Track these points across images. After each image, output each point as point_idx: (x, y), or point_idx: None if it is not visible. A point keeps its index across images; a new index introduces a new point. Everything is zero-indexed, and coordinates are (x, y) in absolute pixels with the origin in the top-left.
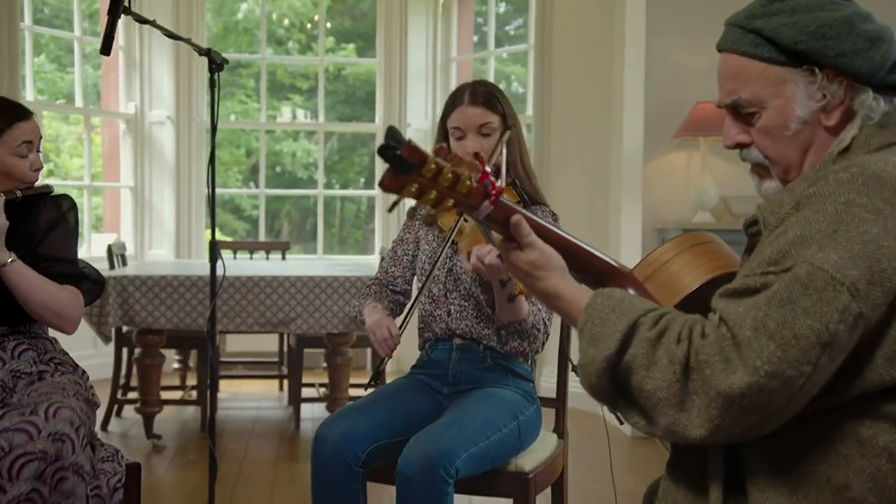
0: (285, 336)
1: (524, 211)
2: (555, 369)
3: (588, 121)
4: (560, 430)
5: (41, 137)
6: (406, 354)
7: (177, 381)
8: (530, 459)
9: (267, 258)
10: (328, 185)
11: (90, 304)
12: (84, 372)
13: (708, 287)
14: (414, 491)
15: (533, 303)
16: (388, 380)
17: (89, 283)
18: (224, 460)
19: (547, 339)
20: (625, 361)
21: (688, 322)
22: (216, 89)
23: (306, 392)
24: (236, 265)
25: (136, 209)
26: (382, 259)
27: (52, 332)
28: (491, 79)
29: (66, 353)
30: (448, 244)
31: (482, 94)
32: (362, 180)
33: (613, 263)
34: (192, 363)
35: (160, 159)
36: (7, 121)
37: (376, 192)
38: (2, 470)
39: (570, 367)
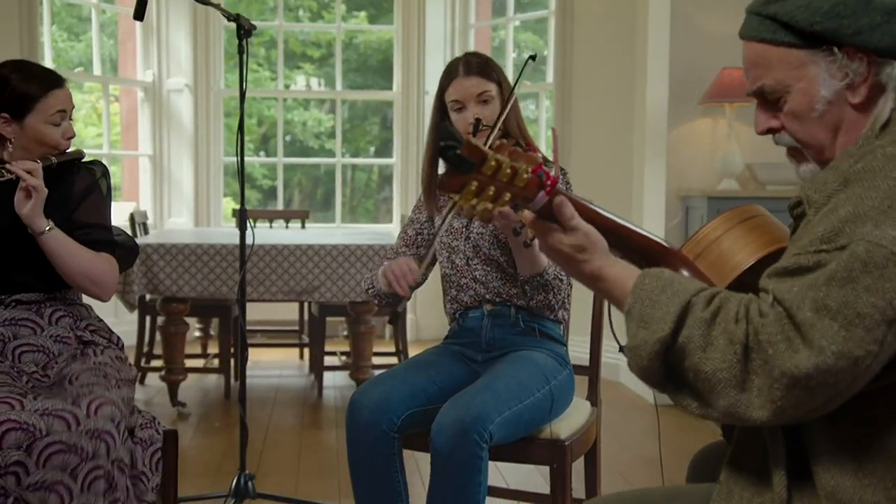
0: (305, 304)
1: (570, 193)
2: (585, 338)
3: (610, 87)
4: (593, 398)
5: (73, 106)
6: (428, 325)
7: (198, 350)
8: (565, 426)
9: (287, 227)
10: (332, 154)
11: (124, 270)
12: (119, 339)
13: (760, 264)
14: (448, 456)
15: None
16: (414, 347)
17: (123, 249)
18: (250, 428)
19: (570, 289)
20: (679, 343)
21: (743, 301)
22: (245, 55)
23: (328, 360)
24: (259, 234)
25: (154, 178)
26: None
27: (86, 299)
28: (510, 47)
29: (101, 320)
30: (452, 209)
31: (476, 64)
32: (372, 149)
33: (662, 242)
34: (212, 331)
35: (178, 127)
36: (43, 88)
37: (395, 159)
38: (32, 451)
39: (617, 347)
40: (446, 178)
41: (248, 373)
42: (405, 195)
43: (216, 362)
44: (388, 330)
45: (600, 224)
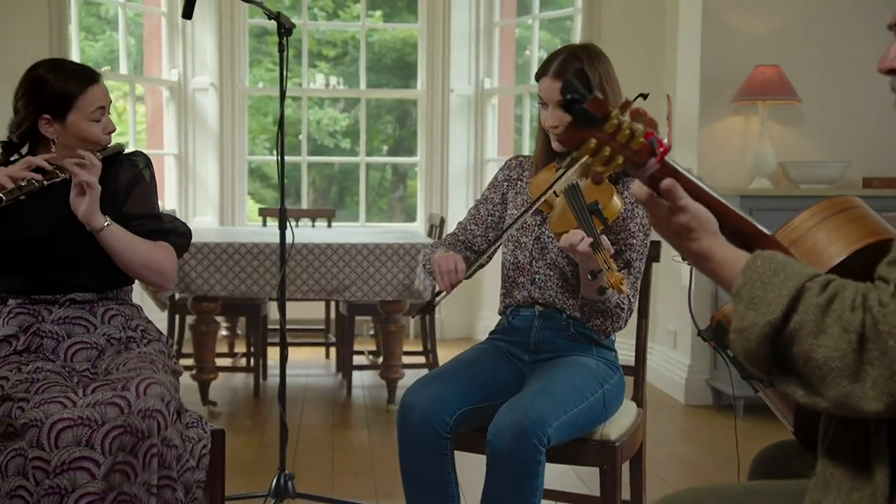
0: (332, 303)
1: (682, 169)
2: (630, 340)
3: (639, 85)
4: (639, 398)
5: (110, 100)
6: (453, 325)
7: (225, 349)
8: (615, 428)
9: (313, 226)
10: (352, 153)
11: (180, 256)
12: (168, 338)
13: (857, 256)
14: (506, 460)
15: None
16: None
17: (177, 235)
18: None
19: (630, 316)
20: (790, 328)
21: (860, 289)
22: (285, 53)
23: (356, 359)
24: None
25: (179, 177)
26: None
27: (134, 299)
28: (535, 46)
29: (149, 321)
30: (531, 210)
31: (567, 68)
32: (385, 148)
33: (760, 227)
34: (239, 330)
35: (203, 127)
36: (81, 85)
37: (419, 157)
38: (94, 442)
39: (697, 331)
40: (568, 133)
41: (275, 371)
42: (430, 193)
43: (243, 361)
44: (413, 329)
45: (706, 203)
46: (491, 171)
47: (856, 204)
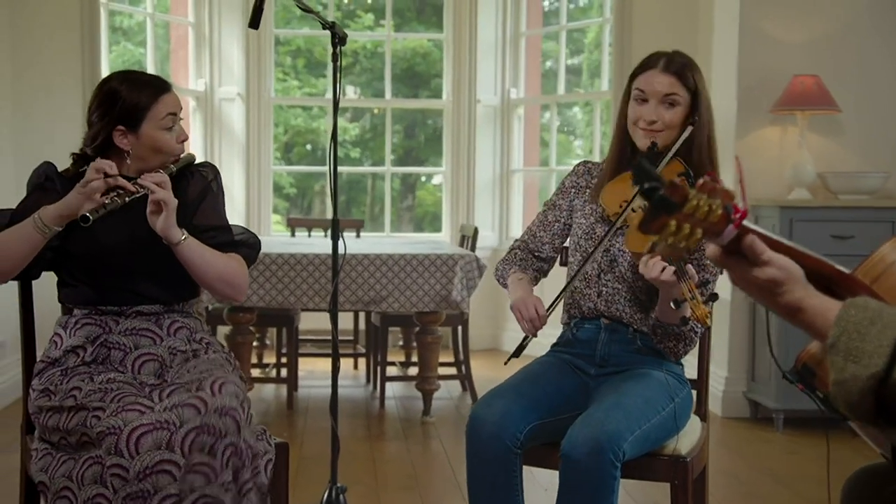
0: (360, 313)
1: (756, 227)
2: (692, 355)
3: None
4: (703, 412)
5: (181, 108)
6: (479, 336)
7: (254, 360)
8: (685, 442)
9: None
10: (359, 163)
11: (250, 267)
12: (231, 351)
13: None
14: (582, 475)
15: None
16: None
17: (246, 248)
18: (318, 438)
19: (699, 339)
20: (893, 378)
21: None
22: (339, 63)
23: (388, 370)
24: (318, 243)
25: None
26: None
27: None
28: (563, 56)
29: (212, 334)
30: (613, 232)
31: (678, 63)
32: (392, 158)
33: (839, 268)
34: (268, 341)
35: (230, 136)
36: (153, 95)
37: (444, 168)
38: (174, 445)
39: (782, 373)
40: (648, 221)
41: (305, 382)
42: (455, 202)
43: (273, 372)
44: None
45: (784, 252)
46: (517, 182)
47: None
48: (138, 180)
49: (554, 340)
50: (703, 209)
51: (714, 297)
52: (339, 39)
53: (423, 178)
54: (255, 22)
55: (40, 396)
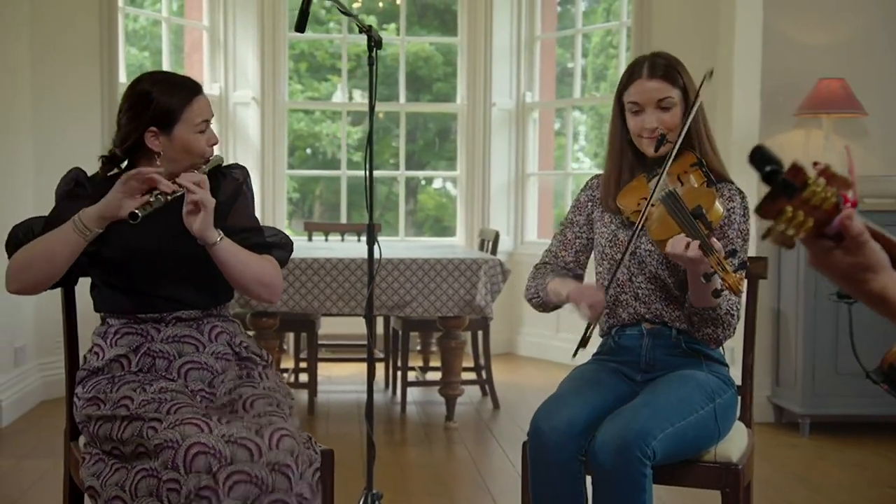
0: (380, 318)
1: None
2: (735, 357)
3: None
4: (747, 418)
5: (213, 112)
6: (494, 341)
7: None
8: (734, 448)
9: (358, 240)
10: (359, 167)
11: (283, 268)
12: (269, 355)
13: None
14: (610, 474)
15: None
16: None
17: (279, 249)
18: (343, 444)
19: (738, 323)
20: None
21: None
22: (374, 67)
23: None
24: (340, 247)
25: None
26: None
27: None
28: (579, 59)
29: (250, 336)
30: (638, 232)
31: (661, 66)
32: (392, 161)
33: None
34: (285, 346)
35: (244, 140)
36: (187, 97)
37: (458, 172)
38: (219, 480)
39: (865, 373)
40: (766, 205)
41: (323, 388)
42: (470, 207)
43: (291, 377)
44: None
45: (875, 238)
46: (532, 186)
47: None
48: (177, 180)
49: (595, 350)
50: (820, 196)
51: (743, 265)
52: (374, 43)
53: (423, 182)
54: (301, 25)
55: (88, 405)
